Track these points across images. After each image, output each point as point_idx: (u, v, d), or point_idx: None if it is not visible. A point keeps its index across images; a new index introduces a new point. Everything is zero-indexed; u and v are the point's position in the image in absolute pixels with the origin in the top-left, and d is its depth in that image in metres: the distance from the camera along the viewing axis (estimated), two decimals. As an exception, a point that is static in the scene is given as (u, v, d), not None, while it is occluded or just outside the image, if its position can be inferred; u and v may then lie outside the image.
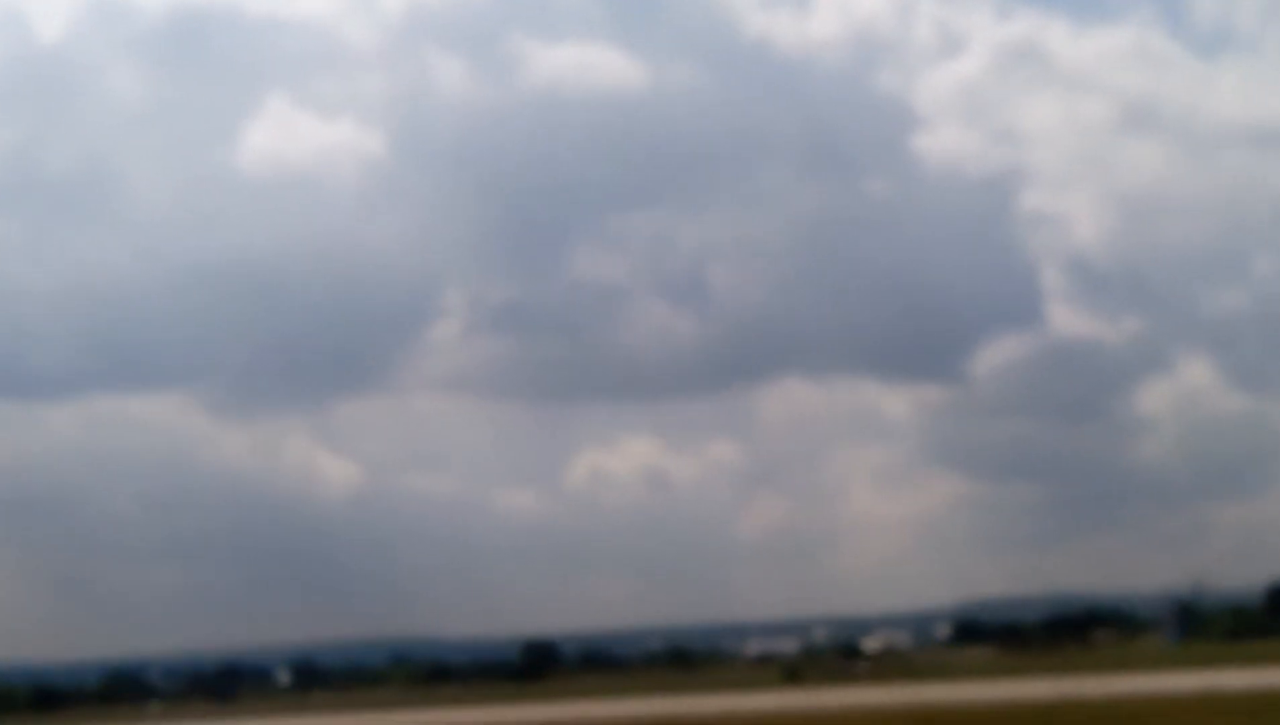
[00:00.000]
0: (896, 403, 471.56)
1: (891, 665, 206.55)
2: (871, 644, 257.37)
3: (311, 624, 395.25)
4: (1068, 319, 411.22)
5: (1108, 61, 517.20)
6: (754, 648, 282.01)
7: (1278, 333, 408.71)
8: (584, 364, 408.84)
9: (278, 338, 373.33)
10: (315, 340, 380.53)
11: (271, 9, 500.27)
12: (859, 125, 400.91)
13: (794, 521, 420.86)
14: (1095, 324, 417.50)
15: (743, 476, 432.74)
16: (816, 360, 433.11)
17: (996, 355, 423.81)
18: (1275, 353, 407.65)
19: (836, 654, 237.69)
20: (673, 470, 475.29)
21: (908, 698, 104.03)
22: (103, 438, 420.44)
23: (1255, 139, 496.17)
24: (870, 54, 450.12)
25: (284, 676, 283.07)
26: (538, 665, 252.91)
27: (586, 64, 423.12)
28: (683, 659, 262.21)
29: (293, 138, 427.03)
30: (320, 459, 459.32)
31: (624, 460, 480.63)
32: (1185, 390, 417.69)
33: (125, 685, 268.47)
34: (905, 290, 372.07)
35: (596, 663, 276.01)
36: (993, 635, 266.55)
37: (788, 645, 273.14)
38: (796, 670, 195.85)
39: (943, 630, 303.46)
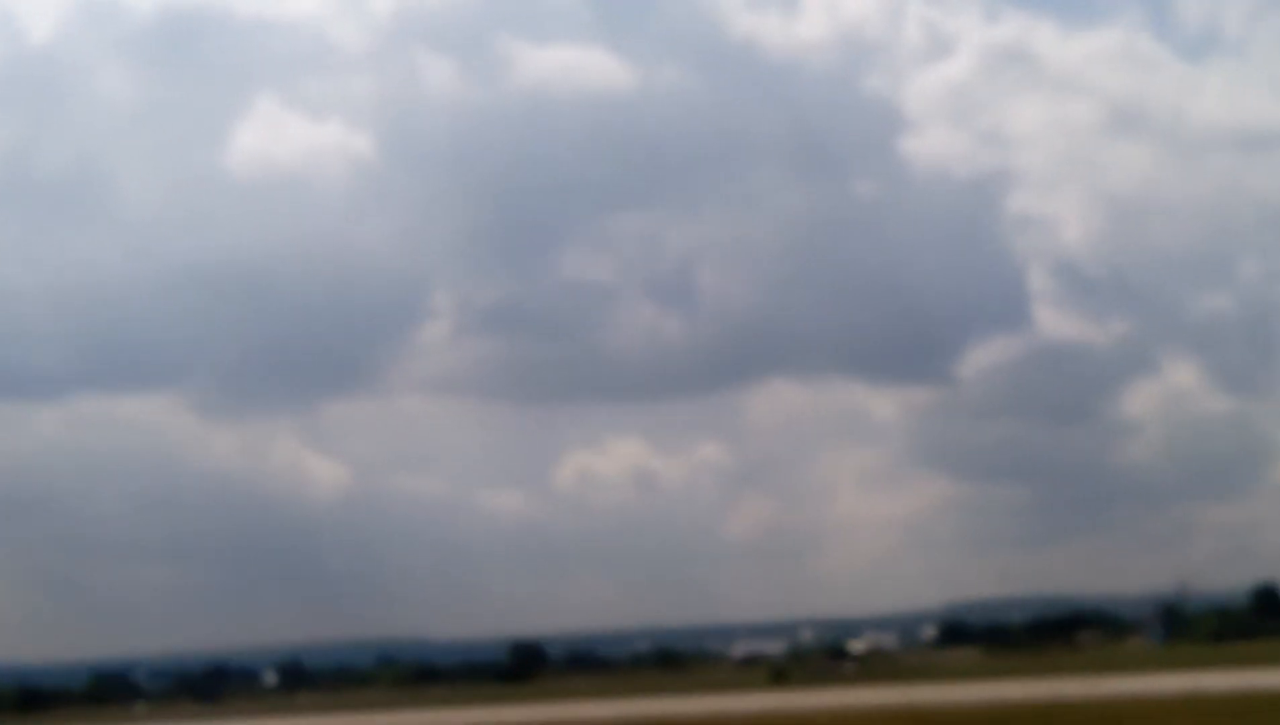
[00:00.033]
0: (884, 404, 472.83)
1: (878, 666, 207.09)
2: (858, 645, 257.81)
3: (299, 625, 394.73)
4: (1054, 321, 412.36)
5: (1095, 64, 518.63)
6: (741, 649, 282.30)
7: (1264, 335, 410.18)
8: (572, 365, 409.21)
9: (267, 338, 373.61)
10: (304, 341, 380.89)
11: (260, 10, 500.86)
12: (847, 127, 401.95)
13: (781, 523, 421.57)
14: (1082, 326, 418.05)
15: (730, 478, 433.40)
16: (804, 361, 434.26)
17: (984, 357, 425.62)
18: (1261, 355, 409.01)
19: (823, 655, 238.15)
20: (661, 471, 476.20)
21: (894, 699, 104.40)
22: (91, 438, 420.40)
23: (1242, 141, 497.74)
24: (858, 56, 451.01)
25: (271, 677, 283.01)
26: (525, 666, 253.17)
27: (575, 65, 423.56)
28: (670, 660, 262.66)
29: (282, 138, 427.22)
30: (308, 460, 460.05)
31: (612, 461, 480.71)
32: (1171, 392, 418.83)
33: (112, 685, 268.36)
34: (893, 292, 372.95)
35: (584, 664, 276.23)
36: (979, 636, 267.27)
37: (774, 646, 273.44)
38: (783, 671, 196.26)
39: (929, 632, 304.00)
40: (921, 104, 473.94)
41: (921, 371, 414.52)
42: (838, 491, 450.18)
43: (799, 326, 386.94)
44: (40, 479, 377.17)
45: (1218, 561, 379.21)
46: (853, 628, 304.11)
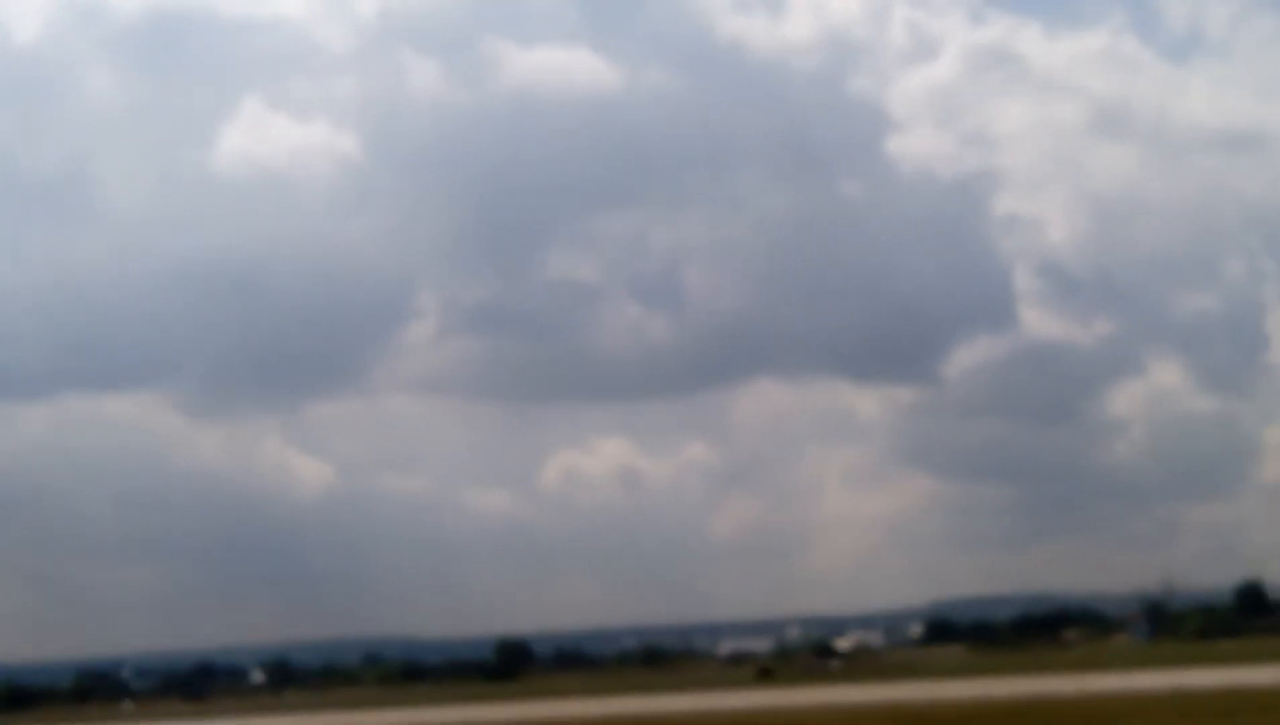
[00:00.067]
0: (869, 404, 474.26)
1: (864, 664, 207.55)
2: (844, 643, 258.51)
3: (285, 623, 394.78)
4: (1040, 321, 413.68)
5: (1080, 65, 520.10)
6: (727, 647, 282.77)
7: (1248, 335, 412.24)
8: (558, 365, 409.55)
9: (252, 338, 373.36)
10: (290, 341, 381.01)
11: (246, 11, 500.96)
12: (833, 127, 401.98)
13: (767, 522, 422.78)
14: (1067, 326, 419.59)
15: (716, 477, 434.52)
16: (790, 361, 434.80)
17: (969, 357, 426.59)
18: (1245, 355, 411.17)
19: (809, 653, 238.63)
20: (647, 471, 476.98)
21: (880, 697, 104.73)
22: (76, 437, 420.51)
23: (1226, 142, 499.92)
24: (844, 57, 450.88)
25: (258, 675, 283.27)
26: (511, 665, 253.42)
27: (561, 66, 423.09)
28: (656, 658, 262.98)
29: (268, 139, 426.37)
30: (294, 459, 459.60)
31: (598, 461, 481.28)
32: (1156, 392, 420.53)
33: (98, 684, 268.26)
34: (878, 291, 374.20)
35: (570, 662, 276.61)
36: (964, 634, 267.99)
37: (761, 645, 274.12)
38: (770, 669, 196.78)
39: (915, 629, 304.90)
40: (907, 105, 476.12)
41: (907, 371, 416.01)
42: (824, 490, 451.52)
43: (784, 326, 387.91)
44: (26, 478, 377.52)
45: (1202, 560, 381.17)
46: (839, 626, 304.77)
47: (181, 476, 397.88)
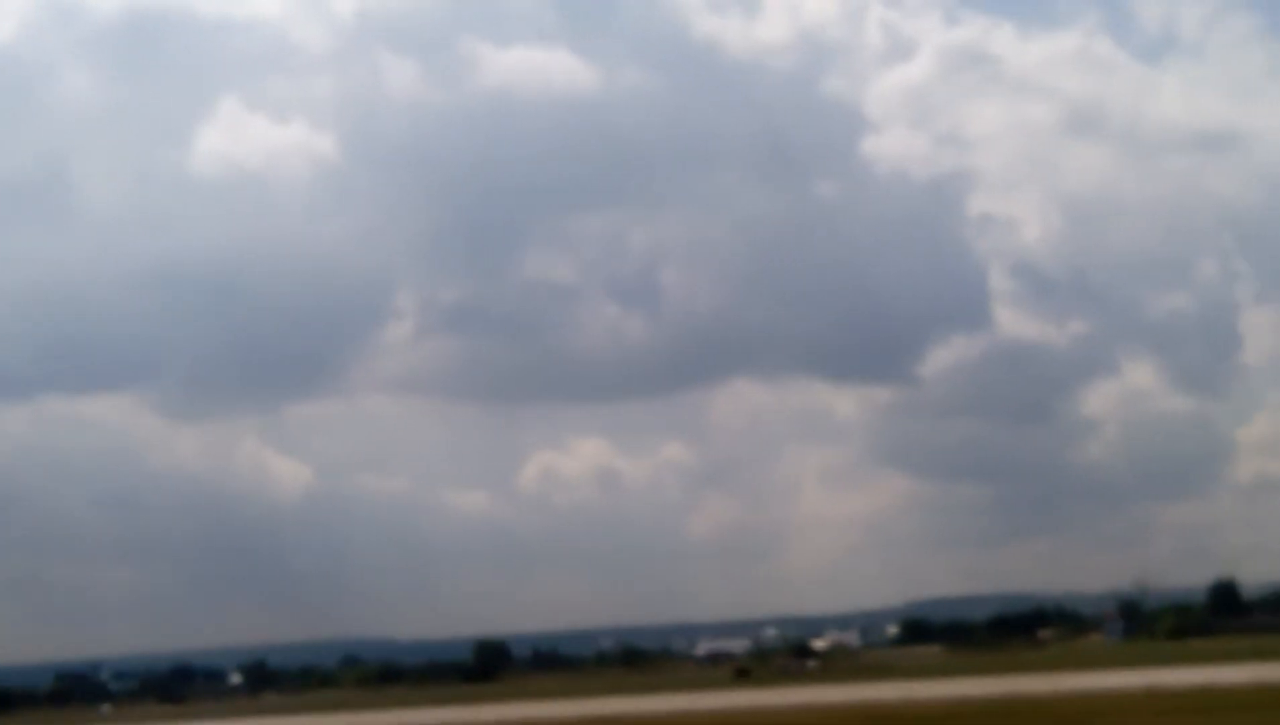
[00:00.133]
0: (846, 404, 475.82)
1: (841, 664, 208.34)
2: (821, 644, 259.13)
3: (263, 625, 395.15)
4: (1015, 321, 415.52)
5: (1054, 66, 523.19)
6: (705, 647, 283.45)
7: (1221, 335, 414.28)
8: (536, 365, 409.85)
9: (230, 339, 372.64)
10: (267, 342, 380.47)
11: (223, 12, 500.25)
12: (809, 128, 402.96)
13: (745, 522, 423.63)
14: (1042, 326, 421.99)
15: (694, 477, 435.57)
16: (767, 361, 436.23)
17: (945, 357, 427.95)
18: (1218, 355, 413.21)
19: (786, 653, 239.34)
20: (625, 471, 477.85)
21: (857, 696, 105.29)
22: (55, 438, 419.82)
23: (1199, 143, 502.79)
24: (820, 58, 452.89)
25: (236, 678, 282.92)
26: (489, 665, 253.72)
27: (538, 67, 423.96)
28: (634, 659, 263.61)
29: (245, 140, 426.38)
30: (272, 460, 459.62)
31: (576, 461, 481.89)
32: (1130, 392, 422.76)
33: (77, 686, 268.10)
34: (855, 292, 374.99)
35: (548, 663, 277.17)
36: (941, 634, 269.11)
37: (738, 645, 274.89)
38: (747, 670, 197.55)
39: (891, 630, 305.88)
40: (882, 106, 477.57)
41: (883, 371, 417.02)
42: (801, 491, 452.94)
43: (761, 326, 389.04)
44: (4, 479, 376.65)
45: (1176, 559, 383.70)
46: (816, 626, 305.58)
47: (159, 478, 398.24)
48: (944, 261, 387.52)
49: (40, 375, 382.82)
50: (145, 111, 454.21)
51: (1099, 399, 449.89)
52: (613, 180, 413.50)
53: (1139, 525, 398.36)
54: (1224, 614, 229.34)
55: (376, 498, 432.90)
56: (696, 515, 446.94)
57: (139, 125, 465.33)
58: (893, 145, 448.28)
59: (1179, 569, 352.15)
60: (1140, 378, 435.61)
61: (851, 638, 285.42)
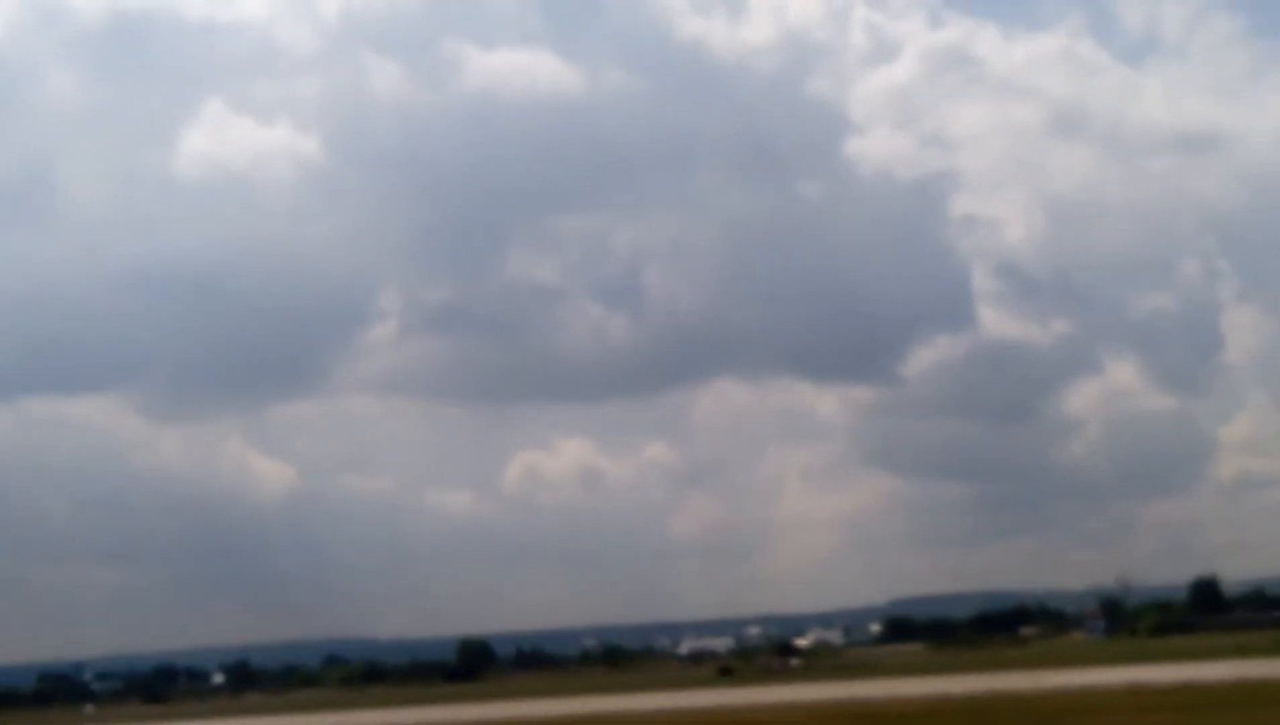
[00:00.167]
0: (829, 403, 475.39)
1: (824, 662, 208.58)
2: (804, 642, 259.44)
3: (246, 625, 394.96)
4: (998, 321, 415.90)
5: (1037, 67, 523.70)
6: (688, 646, 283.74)
7: (1203, 335, 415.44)
8: (519, 365, 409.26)
9: (214, 340, 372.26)
10: (251, 342, 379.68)
11: (208, 13, 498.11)
12: (793, 129, 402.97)
13: (728, 521, 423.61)
14: (1025, 326, 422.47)
15: (677, 477, 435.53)
16: (750, 361, 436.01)
17: (928, 356, 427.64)
18: (1200, 355, 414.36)
19: (770, 652, 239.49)
20: (608, 471, 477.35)
21: (840, 694, 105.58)
22: (39, 439, 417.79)
23: (1181, 144, 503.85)
24: (804, 59, 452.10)
25: (219, 678, 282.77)
26: (473, 665, 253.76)
27: (522, 68, 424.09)
28: (617, 658, 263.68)
29: (230, 141, 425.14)
30: (256, 461, 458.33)
31: (559, 461, 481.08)
32: (1113, 391, 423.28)
33: (60, 686, 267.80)
34: (838, 292, 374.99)
35: (532, 662, 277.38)
36: (924, 632, 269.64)
37: (722, 643, 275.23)
38: (730, 668, 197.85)
39: (875, 628, 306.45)
40: (866, 107, 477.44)
41: (866, 371, 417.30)
42: (784, 490, 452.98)
43: (745, 327, 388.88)
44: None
45: (1158, 557, 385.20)
46: (799, 624, 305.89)
47: (143, 479, 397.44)
48: (927, 262, 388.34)
49: (24, 376, 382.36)
50: (130, 113, 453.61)
51: (1082, 398, 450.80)
52: (597, 181, 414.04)
53: (1121, 523, 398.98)
54: (1205, 611, 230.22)
55: (360, 498, 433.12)
56: (680, 514, 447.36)
57: (124, 127, 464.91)
58: (877, 146, 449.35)
59: (1161, 567, 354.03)
60: (1123, 377, 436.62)
61: (835, 636, 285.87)
